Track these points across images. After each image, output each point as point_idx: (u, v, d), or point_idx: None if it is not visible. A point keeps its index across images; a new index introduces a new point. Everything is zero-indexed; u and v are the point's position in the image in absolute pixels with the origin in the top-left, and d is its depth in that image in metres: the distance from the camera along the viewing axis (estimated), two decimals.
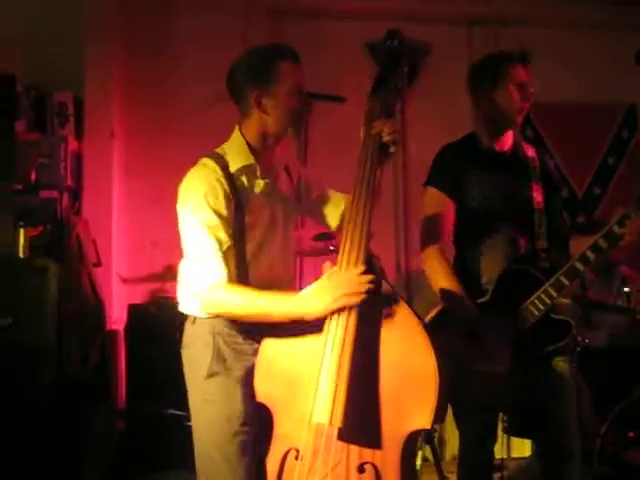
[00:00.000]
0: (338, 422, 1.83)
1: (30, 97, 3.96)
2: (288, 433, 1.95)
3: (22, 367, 3.04)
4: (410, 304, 2.39)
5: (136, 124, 4.31)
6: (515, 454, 3.85)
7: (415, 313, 1.97)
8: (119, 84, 4.31)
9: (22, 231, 3.29)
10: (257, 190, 2.10)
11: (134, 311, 3.73)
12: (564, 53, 4.73)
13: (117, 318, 4.01)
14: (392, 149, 2.03)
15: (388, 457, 1.88)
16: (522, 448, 3.97)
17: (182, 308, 2.16)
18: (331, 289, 1.88)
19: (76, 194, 4.08)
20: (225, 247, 1.99)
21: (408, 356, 1.90)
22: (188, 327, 2.13)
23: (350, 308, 1.88)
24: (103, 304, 3.85)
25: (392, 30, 2.21)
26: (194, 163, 2.09)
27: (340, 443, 1.87)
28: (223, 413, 2.02)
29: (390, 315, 1.93)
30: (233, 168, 2.05)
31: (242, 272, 2.04)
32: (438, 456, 3.31)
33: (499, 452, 3.55)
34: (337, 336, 1.87)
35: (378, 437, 1.88)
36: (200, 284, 1.99)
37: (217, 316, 2.04)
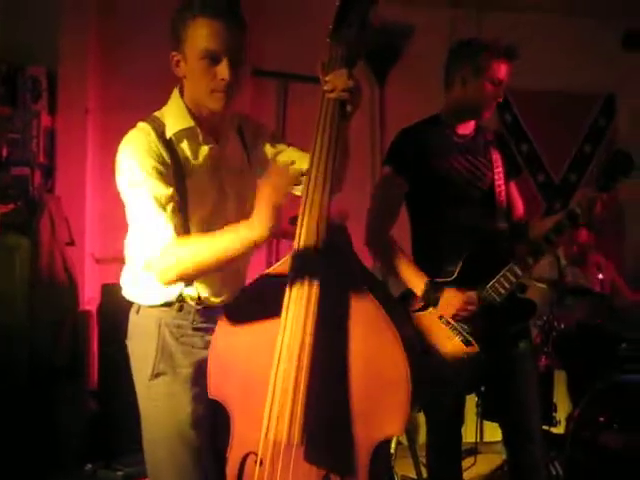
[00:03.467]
0: (296, 439, 1.65)
1: (1, 71, 3.87)
2: (246, 435, 1.77)
3: None
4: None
5: (111, 101, 4.21)
6: (487, 438, 3.90)
7: (385, 301, 1.76)
8: (94, 59, 4.22)
9: None
10: (200, 157, 1.87)
11: (107, 291, 3.67)
12: (546, 39, 4.73)
13: (90, 298, 3.95)
14: (348, 107, 1.72)
15: (355, 467, 1.70)
16: (495, 432, 4.01)
17: (125, 293, 1.97)
18: (263, 201, 1.64)
19: (49, 171, 4.01)
20: (166, 203, 1.76)
21: (376, 358, 1.69)
22: (132, 316, 1.95)
23: (309, 298, 1.67)
24: (76, 284, 3.79)
25: None
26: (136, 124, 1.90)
27: (301, 456, 1.69)
28: (169, 417, 1.87)
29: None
30: (170, 132, 1.83)
31: None
32: (413, 439, 3.32)
33: (472, 436, 3.60)
34: (294, 330, 1.68)
35: (344, 447, 1.70)
36: (150, 250, 1.77)
37: (175, 282, 1.80)
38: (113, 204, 4.28)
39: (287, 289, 1.71)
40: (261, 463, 1.73)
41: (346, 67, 1.71)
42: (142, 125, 1.86)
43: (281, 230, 1.88)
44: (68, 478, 3.30)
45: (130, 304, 1.96)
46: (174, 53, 1.84)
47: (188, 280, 1.85)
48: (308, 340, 1.66)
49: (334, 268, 1.72)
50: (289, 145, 2.04)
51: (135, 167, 1.78)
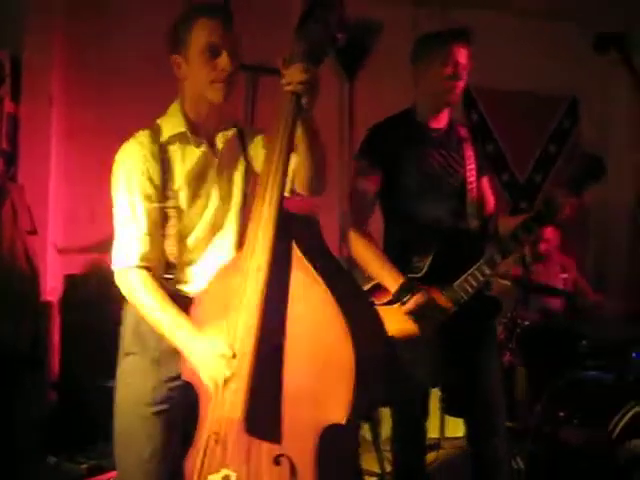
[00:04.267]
0: (239, 415, 1.70)
1: None
2: (209, 416, 1.80)
3: None
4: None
5: (77, 88, 4.14)
6: (449, 434, 3.94)
7: (346, 292, 1.78)
8: (60, 46, 4.14)
9: None
10: (192, 161, 1.97)
11: (70, 282, 3.62)
12: (513, 40, 4.79)
13: (52, 288, 3.89)
14: (304, 100, 1.77)
15: (302, 451, 1.70)
16: (456, 428, 4.05)
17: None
18: (210, 361, 1.76)
19: (11, 158, 3.91)
20: (146, 216, 1.90)
21: (323, 344, 1.70)
22: (125, 304, 2.04)
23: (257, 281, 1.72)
24: (37, 274, 3.72)
25: None
26: (135, 130, 2.00)
27: (246, 433, 1.73)
28: (134, 394, 1.96)
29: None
30: (164, 137, 1.96)
31: (181, 248, 1.96)
32: (377, 434, 3.34)
33: (434, 432, 3.63)
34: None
35: (287, 430, 1.72)
36: (116, 262, 1.91)
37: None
38: (77, 194, 4.26)
39: (239, 272, 1.77)
40: (218, 442, 1.77)
41: (306, 62, 1.76)
42: (140, 134, 1.97)
43: None
44: (30, 471, 3.24)
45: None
46: (175, 56, 1.96)
47: None
48: (253, 321, 1.71)
49: (290, 256, 1.76)
50: None
51: (121, 179, 1.93)
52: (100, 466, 3.11)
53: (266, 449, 1.74)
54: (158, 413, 1.94)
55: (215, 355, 1.75)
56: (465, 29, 2.53)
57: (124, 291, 1.92)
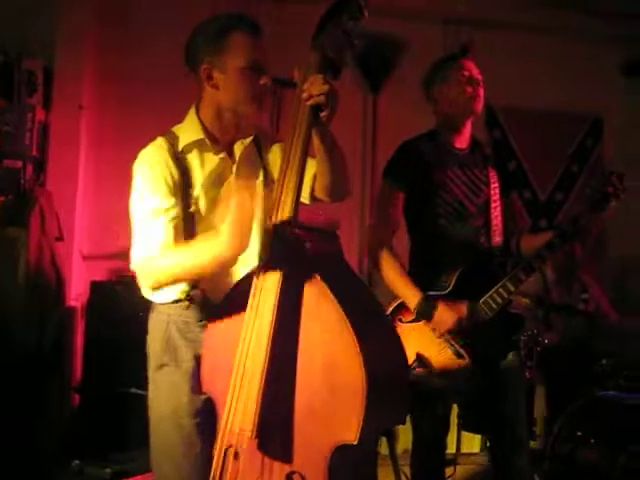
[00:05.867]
0: (251, 432, 1.69)
1: None
2: (224, 428, 1.79)
3: None
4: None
5: (106, 97, 4.22)
6: (465, 449, 3.93)
7: (361, 311, 1.75)
8: (91, 56, 4.23)
9: None
10: (208, 167, 1.96)
11: (96, 288, 3.67)
12: (537, 59, 4.80)
13: (77, 295, 3.94)
14: (323, 113, 1.72)
15: (314, 469, 1.68)
16: (472, 443, 4.05)
17: (144, 292, 2.06)
18: (231, 216, 1.68)
19: (41, 165, 3.99)
20: (164, 214, 1.87)
21: (335, 364, 1.66)
22: (150, 314, 2.06)
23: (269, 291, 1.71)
24: (63, 279, 3.78)
25: None
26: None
27: (259, 449, 1.73)
28: (168, 406, 1.96)
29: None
30: (182, 144, 1.94)
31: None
32: (393, 447, 3.34)
33: (450, 447, 3.62)
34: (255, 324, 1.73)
35: (299, 449, 1.70)
36: (137, 256, 1.87)
37: (159, 287, 1.89)
38: (104, 201, 4.32)
39: (252, 289, 1.76)
40: (237, 456, 1.77)
41: (325, 73, 1.72)
42: (158, 140, 1.97)
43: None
44: (54, 475, 3.28)
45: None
46: (207, 66, 1.92)
47: (167, 286, 1.91)
48: (265, 339, 1.70)
49: (305, 273, 1.72)
50: None
51: (142, 176, 1.91)
52: (125, 470, 3.13)
53: (279, 466, 1.73)
54: (195, 424, 1.94)
55: (234, 209, 1.67)
56: (465, 45, 2.60)
57: (147, 282, 1.87)
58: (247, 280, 1.83)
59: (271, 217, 1.75)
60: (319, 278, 1.70)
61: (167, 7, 4.27)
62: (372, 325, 1.81)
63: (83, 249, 4.13)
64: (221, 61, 1.90)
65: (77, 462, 3.30)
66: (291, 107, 1.78)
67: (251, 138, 2.03)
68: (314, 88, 1.71)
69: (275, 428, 1.71)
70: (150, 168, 1.90)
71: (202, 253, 1.77)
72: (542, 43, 4.82)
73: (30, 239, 3.47)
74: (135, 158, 2.03)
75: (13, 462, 3.07)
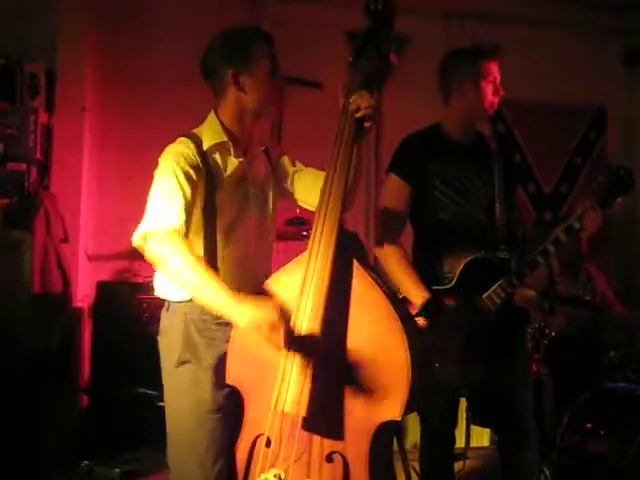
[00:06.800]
0: (303, 411, 1.77)
1: (0, 66, 3.86)
2: (258, 418, 1.88)
3: None
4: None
5: (109, 99, 4.23)
6: (474, 443, 3.93)
7: (387, 292, 1.89)
8: (92, 58, 4.24)
9: None
10: (230, 169, 2.08)
11: (102, 289, 3.68)
12: (541, 52, 4.79)
13: (83, 296, 3.95)
14: (367, 124, 1.97)
15: (356, 448, 1.79)
16: (481, 437, 4.04)
17: (157, 293, 2.12)
18: (263, 317, 1.78)
19: (45, 168, 4.00)
20: (183, 198, 1.92)
21: (380, 344, 1.80)
22: (163, 314, 2.10)
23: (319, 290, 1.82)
24: (69, 281, 3.79)
25: None
26: (166, 141, 2.06)
27: (306, 432, 1.80)
28: (190, 401, 1.99)
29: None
30: (206, 145, 2.05)
31: (211, 249, 2.01)
32: (402, 442, 3.33)
33: (460, 441, 3.61)
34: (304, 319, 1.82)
35: (345, 427, 1.80)
36: (151, 223, 1.87)
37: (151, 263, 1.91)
38: (108, 203, 4.33)
39: (301, 281, 1.86)
40: (268, 444, 1.84)
41: (370, 88, 1.95)
42: (183, 139, 2.06)
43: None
44: (64, 475, 3.29)
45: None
46: (233, 71, 2.06)
47: (157, 269, 1.97)
48: (318, 323, 1.79)
49: (347, 266, 1.87)
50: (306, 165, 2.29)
51: (168, 162, 1.98)
52: (134, 470, 3.15)
53: (318, 447, 1.81)
54: (218, 419, 1.99)
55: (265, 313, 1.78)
56: (496, 45, 2.55)
57: (160, 251, 1.84)
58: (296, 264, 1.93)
59: (319, 221, 1.89)
60: (362, 269, 1.87)
61: (168, 9, 4.28)
62: (401, 310, 1.92)
63: (88, 250, 4.14)
64: (248, 66, 2.06)
65: (86, 462, 3.32)
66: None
67: (262, 147, 2.21)
68: (363, 102, 1.94)
69: (321, 409, 1.79)
70: (179, 155, 1.98)
71: (211, 289, 1.83)
72: (544, 36, 4.81)
73: (35, 242, 3.49)
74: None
75: (22, 463, 3.08)
